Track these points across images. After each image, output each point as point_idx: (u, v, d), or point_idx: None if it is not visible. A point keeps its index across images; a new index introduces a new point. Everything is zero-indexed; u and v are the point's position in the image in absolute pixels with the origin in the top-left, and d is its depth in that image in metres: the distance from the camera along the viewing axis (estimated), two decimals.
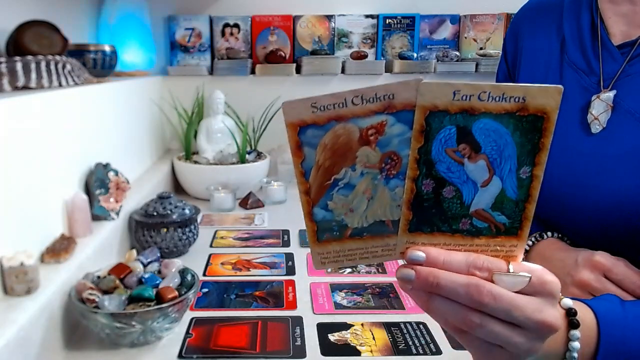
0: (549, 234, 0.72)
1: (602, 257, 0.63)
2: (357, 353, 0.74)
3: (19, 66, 0.88)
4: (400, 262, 0.46)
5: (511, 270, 0.44)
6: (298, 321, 0.83)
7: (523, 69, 0.79)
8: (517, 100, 0.41)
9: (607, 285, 0.62)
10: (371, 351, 0.74)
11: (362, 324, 0.81)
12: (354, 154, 0.43)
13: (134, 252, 0.87)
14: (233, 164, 1.52)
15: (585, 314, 0.52)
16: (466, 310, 0.44)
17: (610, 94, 0.65)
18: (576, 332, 0.50)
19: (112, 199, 1.00)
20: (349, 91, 0.41)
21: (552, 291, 0.45)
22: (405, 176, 0.43)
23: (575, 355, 0.50)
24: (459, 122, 0.42)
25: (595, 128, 0.66)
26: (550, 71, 0.74)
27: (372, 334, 0.79)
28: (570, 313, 0.50)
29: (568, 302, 0.50)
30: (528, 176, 0.44)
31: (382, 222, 0.45)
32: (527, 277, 0.44)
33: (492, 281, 0.44)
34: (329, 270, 1.01)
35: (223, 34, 1.82)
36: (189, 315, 0.84)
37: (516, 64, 0.82)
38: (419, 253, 0.45)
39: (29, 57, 0.90)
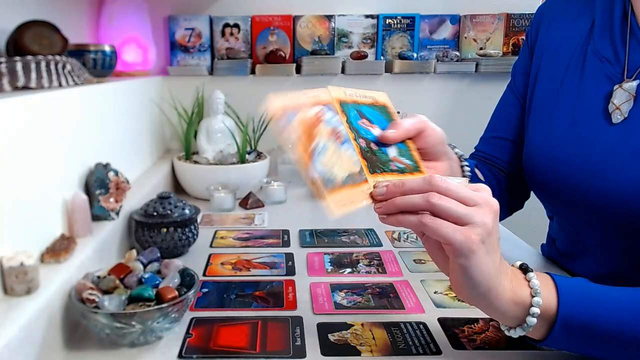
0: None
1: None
2: (357, 353, 0.74)
3: (19, 66, 0.88)
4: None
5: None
6: (298, 321, 0.82)
7: (545, 56, 0.79)
8: (371, 99, 0.69)
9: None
10: (371, 351, 0.74)
11: (362, 324, 0.81)
12: (316, 130, 0.61)
13: (134, 252, 0.87)
14: (233, 164, 1.52)
15: (541, 275, 0.58)
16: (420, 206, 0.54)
17: (634, 84, 0.64)
18: (531, 274, 0.56)
19: (112, 199, 1.00)
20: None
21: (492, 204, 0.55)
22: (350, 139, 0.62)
23: (538, 290, 0.54)
24: (356, 108, 0.65)
25: (617, 118, 0.65)
26: (573, 59, 0.74)
27: (372, 334, 0.79)
28: (521, 267, 0.58)
29: (517, 263, 0.59)
30: None
31: (353, 175, 0.60)
32: (463, 179, 0.58)
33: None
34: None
35: (223, 34, 1.82)
36: (189, 315, 0.84)
37: (535, 51, 0.82)
38: (382, 189, 0.58)
39: (29, 57, 0.90)
